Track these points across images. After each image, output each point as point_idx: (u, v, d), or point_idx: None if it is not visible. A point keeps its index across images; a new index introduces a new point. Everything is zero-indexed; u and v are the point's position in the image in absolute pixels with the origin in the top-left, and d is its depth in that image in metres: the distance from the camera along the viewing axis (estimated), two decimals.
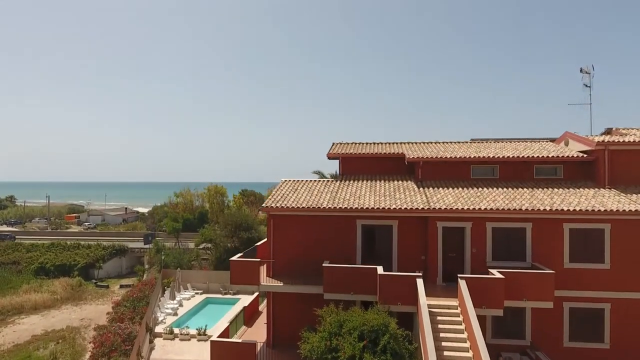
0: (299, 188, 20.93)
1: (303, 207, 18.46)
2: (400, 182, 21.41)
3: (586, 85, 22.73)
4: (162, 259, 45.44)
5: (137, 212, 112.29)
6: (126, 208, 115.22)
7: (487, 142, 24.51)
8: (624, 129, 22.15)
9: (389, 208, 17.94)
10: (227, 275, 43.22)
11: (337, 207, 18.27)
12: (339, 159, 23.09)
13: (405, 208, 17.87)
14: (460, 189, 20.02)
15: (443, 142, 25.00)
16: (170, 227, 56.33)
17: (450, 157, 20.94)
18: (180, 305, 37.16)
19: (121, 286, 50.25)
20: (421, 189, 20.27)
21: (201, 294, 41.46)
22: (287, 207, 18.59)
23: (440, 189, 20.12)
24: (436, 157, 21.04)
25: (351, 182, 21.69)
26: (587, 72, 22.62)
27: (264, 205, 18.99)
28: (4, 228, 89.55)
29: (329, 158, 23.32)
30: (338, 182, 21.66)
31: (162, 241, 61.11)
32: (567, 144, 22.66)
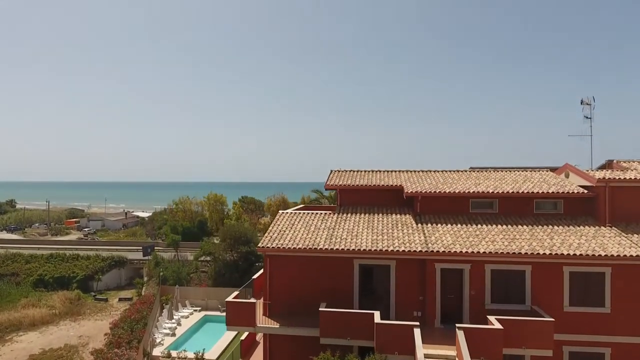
0: (296, 223, 20.70)
1: (300, 247, 18.24)
2: (398, 216, 21.17)
3: (587, 117, 22.47)
4: (160, 275, 45.26)
5: (137, 216, 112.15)
6: (126, 213, 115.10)
7: (486, 172, 24.24)
8: (624, 162, 21.89)
9: (386, 250, 17.72)
10: (226, 292, 43.31)
11: (334, 249, 18.05)
12: (337, 191, 22.84)
13: (403, 250, 17.65)
14: (459, 225, 19.79)
15: (442, 171, 24.74)
16: (170, 239, 56.18)
17: (449, 192, 20.69)
18: (179, 324, 37.08)
19: (120, 299, 50.12)
20: (419, 224, 20.03)
21: (199, 311, 41.41)
22: (284, 247, 18.39)
23: (439, 225, 19.89)
24: (435, 191, 20.78)
25: (349, 215, 21.45)
26: (587, 104, 22.36)
27: (260, 245, 18.77)
28: (4, 235, 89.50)
29: (327, 189, 23.09)
30: (335, 215, 21.42)
31: (161, 251, 60.99)
32: (567, 176, 22.40)
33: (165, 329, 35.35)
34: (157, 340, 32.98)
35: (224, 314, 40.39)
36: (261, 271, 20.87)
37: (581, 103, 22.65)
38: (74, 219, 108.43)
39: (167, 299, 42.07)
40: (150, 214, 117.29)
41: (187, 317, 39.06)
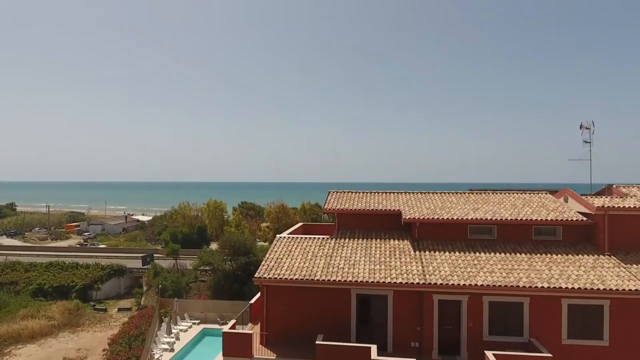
0: (293, 249, 20.60)
1: (296, 278, 18.16)
2: (396, 241, 21.06)
3: (586, 142, 22.34)
4: (159, 287, 45.22)
5: (137, 220, 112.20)
6: (126, 216, 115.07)
7: (485, 194, 24.12)
8: (624, 187, 21.77)
9: (383, 282, 17.63)
10: (224, 304, 43.34)
11: (331, 280, 17.96)
12: (335, 215, 22.73)
13: (400, 282, 17.55)
14: (457, 253, 19.68)
15: (440, 193, 24.64)
16: (169, 249, 56.14)
17: (447, 218, 20.58)
18: (177, 339, 36.98)
19: (119, 309, 50.09)
20: (417, 252, 19.93)
21: (198, 324, 41.28)
22: (280, 278, 18.30)
23: (437, 252, 19.79)
24: (432, 218, 20.68)
25: (346, 240, 21.35)
26: (587, 128, 22.23)
27: (257, 275, 18.67)
28: (4, 240, 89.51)
29: (325, 213, 22.98)
30: (333, 241, 21.32)
31: (160, 259, 60.93)
32: (566, 200, 22.28)
33: (163, 344, 35.26)
34: (156, 357, 32.91)
35: (223, 327, 40.58)
36: (259, 294, 20.76)
37: (580, 127, 22.55)
38: (74, 223, 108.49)
39: (165, 312, 42.02)
40: (150, 217, 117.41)
41: (185, 330, 38.96)
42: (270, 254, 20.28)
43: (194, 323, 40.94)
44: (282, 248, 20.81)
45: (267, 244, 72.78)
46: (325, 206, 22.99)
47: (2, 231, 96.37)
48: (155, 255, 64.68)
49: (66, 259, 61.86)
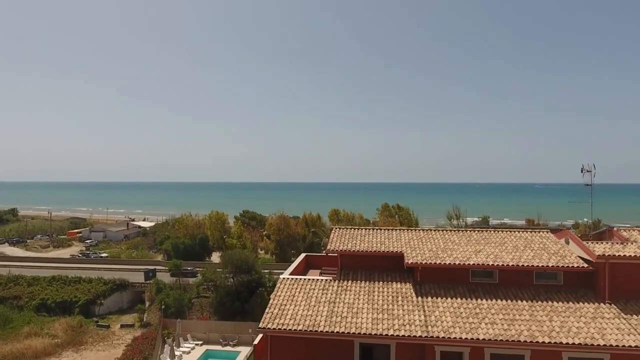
0: (297, 294, 20.81)
1: (300, 329, 18.38)
2: (399, 285, 21.26)
3: (587, 185, 22.52)
4: (162, 307, 45.52)
5: (139, 226, 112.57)
6: (127, 223, 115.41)
7: (487, 232, 24.31)
8: (625, 230, 21.95)
9: (386, 335, 17.85)
10: (227, 325, 43.58)
11: (334, 332, 18.18)
12: (338, 255, 22.94)
13: (402, 335, 17.77)
14: (459, 299, 19.89)
15: (442, 231, 24.86)
16: (172, 266, 56.46)
17: (449, 263, 20.79)
18: None
19: (122, 326, 50.43)
20: (419, 297, 20.15)
21: (201, 345, 41.66)
22: (284, 329, 18.52)
23: (439, 298, 19.99)
24: (434, 262, 20.89)
25: (349, 283, 21.55)
26: (588, 171, 22.42)
27: (260, 325, 18.90)
28: (6, 248, 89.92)
29: (327, 254, 23.19)
30: (336, 284, 21.52)
31: (162, 270, 61.21)
32: (567, 243, 22.46)
33: None
34: None
35: (226, 348, 40.90)
36: (261, 336, 20.96)
37: (581, 171, 22.75)
38: (76, 230, 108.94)
39: (168, 332, 42.33)
40: (153, 224, 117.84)
41: (188, 352, 39.32)
42: (273, 300, 20.49)
43: (196, 344, 41.28)
44: (286, 292, 21.01)
45: (269, 255, 73.22)
46: (329, 246, 23.19)
47: (4, 239, 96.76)
48: (157, 266, 65.11)
49: (69, 272, 62.23)
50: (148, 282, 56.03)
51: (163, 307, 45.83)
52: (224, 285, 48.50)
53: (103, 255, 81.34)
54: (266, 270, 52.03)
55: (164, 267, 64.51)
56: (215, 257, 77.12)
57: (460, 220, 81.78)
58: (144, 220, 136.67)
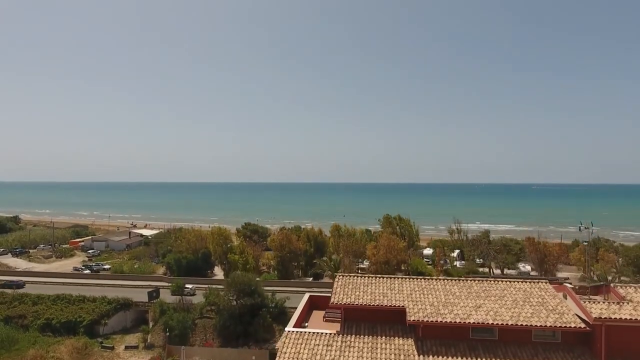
0: (302, 351, 21.41)
1: None
2: (400, 341, 21.88)
3: (584, 242, 23.07)
4: (167, 332, 46.12)
5: (141, 235, 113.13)
6: (130, 232, 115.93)
7: (487, 282, 24.87)
8: (621, 286, 22.52)
9: None
10: (231, 353, 44.15)
11: None
12: (342, 309, 23.52)
13: None
14: (460, 358, 20.50)
15: (444, 280, 25.41)
16: (174, 287, 56.98)
17: (449, 322, 21.38)
18: None
19: (126, 347, 50.97)
20: (421, 356, 20.74)
21: None
22: None
23: (440, 358, 20.60)
24: (436, 321, 21.48)
25: (353, 338, 22.15)
26: (586, 228, 22.96)
27: None
28: (9, 259, 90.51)
29: (330, 308, 23.75)
30: (340, 339, 22.12)
31: (165, 287, 61.68)
32: (565, 297, 23.03)
33: None
34: None
35: None
36: None
37: (579, 230, 23.28)
38: (79, 239, 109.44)
39: (173, 359, 42.92)
40: (155, 232, 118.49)
41: None
42: (279, 357, 21.08)
43: None
44: (291, 348, 21.61)
45: (271, 271, 73.79)
46: (332, 299, 23.77)
47: (7, 249, 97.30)
48: (160, 282, 65.60)
49: (72, 289, 62.85)
50: (152, 302, 56.52)
51: (167, 333, 46.39)
52: (227, 307, 49.03)
53: (106, 267, 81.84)
54: (269, 290, 52.40)
55: (166, 284, 65.02)
56: (218, 270, 77.72)
57: (461, 234, 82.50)
58: (145, 227, 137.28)
